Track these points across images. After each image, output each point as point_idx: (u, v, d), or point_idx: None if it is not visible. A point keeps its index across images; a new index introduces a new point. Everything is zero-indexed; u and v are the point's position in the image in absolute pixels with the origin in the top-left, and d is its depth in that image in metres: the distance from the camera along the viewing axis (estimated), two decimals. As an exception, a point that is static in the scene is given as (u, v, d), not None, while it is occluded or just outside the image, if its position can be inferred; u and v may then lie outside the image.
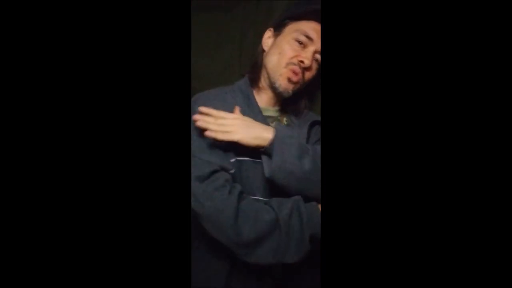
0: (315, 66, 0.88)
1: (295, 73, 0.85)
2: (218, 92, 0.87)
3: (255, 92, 0.90)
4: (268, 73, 0.88)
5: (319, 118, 0.92)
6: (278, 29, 0.90)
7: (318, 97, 1.00)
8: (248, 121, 0.77)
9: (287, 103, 0.94)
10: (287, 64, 0.85)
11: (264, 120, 0.85)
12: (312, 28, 0.85)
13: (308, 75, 0.88)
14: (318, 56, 0.86)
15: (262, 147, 0.76)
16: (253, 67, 0.92)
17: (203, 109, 0.75)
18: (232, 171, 0.77)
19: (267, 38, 0.92)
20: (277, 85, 0.86)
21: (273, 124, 0.87)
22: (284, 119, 0.93)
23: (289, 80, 0.85)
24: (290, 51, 0.85)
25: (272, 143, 0.75)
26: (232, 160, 0.78)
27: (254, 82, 0.91)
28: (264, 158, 0.77)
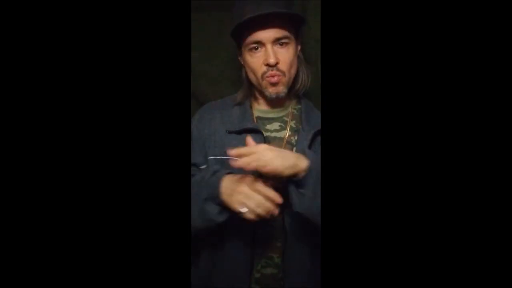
0: (284, 51, 0.85)
1: (272, 77, 0.84)
2: (219, 104, 0.94)
3: (253, 100, 0.93)
4: (255, 87, 0.91)
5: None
6: (239, 48, 0.90)
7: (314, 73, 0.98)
8: (278, 150, 0.75)
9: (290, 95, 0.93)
10: (262, 75, 0.85)
11: (252, 122, 0.88)
12: (253, 33, 0.83)
13: (283, 64, 0.85)
14: (281, 41, 0.84)
15: (297, 176, 0.74)
16: (243, 82, 0.93)
17: (232, 152, 0.73)
18: (203, 167, 0.82)
19: (239, 58, 0.92)
20: (267, 94, 0.87)
21: (277, 125, 0.90)
22: (293, 122, 0.92)
23: (273, 85, 0.85)
24: (255, 64, 0.85)
25: (307, 174, 0.74)
26: (210, 157, 0.84)
27: (250, 93, 0.93)
28: (293, 190, 0.76)
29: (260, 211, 0.72)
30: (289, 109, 0.94)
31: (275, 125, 0.90)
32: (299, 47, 0.91)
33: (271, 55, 0.83)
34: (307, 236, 0.82)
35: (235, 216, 0.74)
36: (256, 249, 0.83)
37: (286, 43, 0.85)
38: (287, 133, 0.90)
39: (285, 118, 0.92)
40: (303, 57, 0.93)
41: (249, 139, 0.77)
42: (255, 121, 0.90)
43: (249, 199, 0.72)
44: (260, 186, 0.73)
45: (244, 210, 0.72)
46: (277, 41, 0.84)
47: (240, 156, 0.73)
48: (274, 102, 0.91)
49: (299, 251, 0.82)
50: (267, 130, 0.89)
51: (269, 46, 0.83)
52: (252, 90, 0.93)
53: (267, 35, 0.83)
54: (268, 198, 0.72)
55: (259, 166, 0.71)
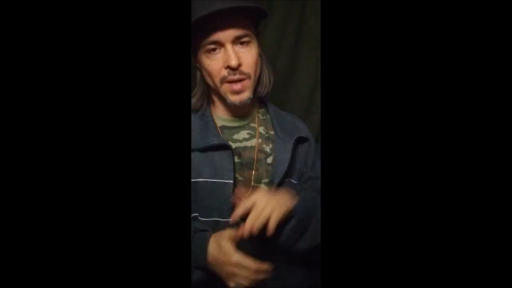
0: (247, 50, 0.76)
1: (235, 83, 0.75)
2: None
3: (214, 109, 0.82)
4: (213, 91, 0.81)
5: (302, 133, 0.85)
6: (194, 51, 0.79)
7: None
8: (272, 195, 0.70)
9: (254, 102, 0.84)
10: (221, 80, 0.75)
11: (218, 136, 0.77)
12: (210, 32, 0.73)
13: (246, 66, 0.76)
14: (241, 40, 0.74)
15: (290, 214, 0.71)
16: (197, 86, 0.83)
17: (233, 218, 0.69)
18: None
19: (193, 59, 0.82)
20: (229, 102, 0.77)
21: (246, 133, 0.81)
22: (261, 128, 0.84)
23: (236, 92, 0.75)
24: (214, 66, 0.75)
25: (298, 210, 0.71)
26: None
27: (206, 98, 0.82)
28: (295, 229, 0.73)
29: (250, 283, 0.67)
30: (255, 114, 0.85)
31: (243, 134, 0.81)
32: (260, 45, 0.81)
33: (232, 56, 0.73)
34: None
35: None
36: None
37: (248, 42, 0.75)
38: (257, 141, 0.81)
39: (252, 125, 0.83)
40: (264, 56, 0.83)
41: (239, 192, 0.72)
42: (220, 133, 0.78)
43: (240, 273, 0.66)
44: (243, 260, 0.67)
45: (235, 286, 0.68)
46: (237, 40, 0.74)
47: (240, 217, 0.68)
48: (238, 108, 0.80)
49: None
50: (236, 141, 0.80)
51: (229, 47, 0.73)
52: (209, 94, 0.82)
53: (226, 34, 0.72)
54: (256, 272, 0.67)
55: (263, 224, 0.66)
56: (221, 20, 0.72)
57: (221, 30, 0.72)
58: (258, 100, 0.85)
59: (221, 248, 0.67)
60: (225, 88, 0.75)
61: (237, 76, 0.74)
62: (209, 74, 0.76)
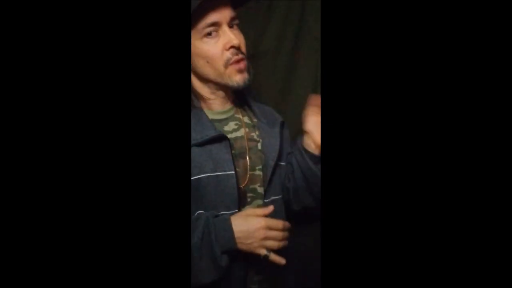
0: (238, 31, 0.79)
1: (238, 62, 0.76)
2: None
3: (203, 104, 0.82)
4: (215, 82, 0.80)
5: (280, 117, 0.90)
6: None
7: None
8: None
9: (235, 93, 0.86)
10: (226, 63, 0.76)
11: (214, 128, 0.78)
12: (207, 15, 0.74)
13: (242, 45, 0.79)
14: (234, 22, 0.77)
15: None
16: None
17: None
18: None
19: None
20: (232, 84, 0.78)
21: (233, 124, 0.83)
22: (245, 118, 0.86)
23: (240, 71, 0.77)
24: (214, 51, 0.75)
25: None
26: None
27: (198, 96, 0.82)
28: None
29: (280, 245, 0.73)
30: (236, 105, 0.87)
31: (232, 125, 0.83)
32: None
33: (233, 36, 0.75)
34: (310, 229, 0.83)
35: None
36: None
37: (237, 24, 0.78)
38: (244, 130, 0.83)
39: (237, 115, 0.85)
40: None
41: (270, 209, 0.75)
42: (215, 126, 0.79)
43: (268, 240, 0.72)
44: (271, 221, 0.73)
45: (267, 253, 0.72)
46: (232, 21, 0.76)
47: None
48: (223, 100, 0.83)
49: (300, 248, 0.82)
50: (227, 132, 0.81)
51: (226, 28, 0.75)
52: (199, 90, 0.82)
53: (223, 15, 0.74)
54: (283, 230, 0.74)
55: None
56: (216, 4, 0.74)
57: (218, 12, 0.74)
58: (234, 92, 0.86)
59: (248, 218, 0.73)
60: (229, 71, 0.76)
61: (240, 56, 0.76)
62: (211, 60, 0.76)
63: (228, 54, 0.76)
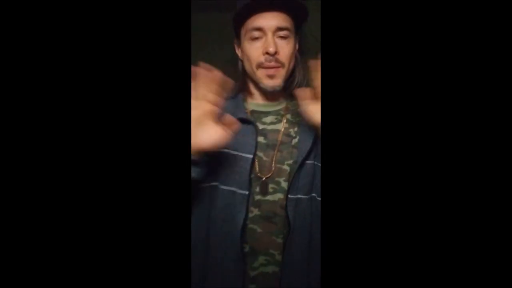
0: (284, 43, 0.85)
1: (270, 68, 0.84)
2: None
3: (247, 94, 0.92)
4: (251, 79, 0.90)
5: None
6: (238, 38, 0.90)
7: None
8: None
9: (287, 87, 0.92)
10: (258, 65, 0.85)
11: (245, 114, 0.86)
12: (255, 20, 0.83)
13: (283, 55, 0.85)
14: (281, 33, 0.84)
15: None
16: (238, 76, 0.92)
17: None
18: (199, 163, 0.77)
19: (237, 50, 0.92)
20: (262, 86, 0.86)
21: (274, 118, 0.88)
22: (288, 116, 0.91)
23: (269, 77, 0.85)
24: (253, 52, 0.85)
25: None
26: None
27: (244, 87, 0.92)
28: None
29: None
30: (284, 104, 0.93)
31: (271, 118, 0.90)
32: (297, 46, 0.90)
33: (271, 43, 0.82)
34: (310, 228, 0.83)
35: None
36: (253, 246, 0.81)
37: (286, 37, 0.85)
38: (283, 125, 0.89)
39: (281, 112, 0.91)
40: (300, 58, 0.92)
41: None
42: (248, 113, 0.89)
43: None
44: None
45: None
46: (278, 31, 0.83)
47: None
48: (269, 96, 0.91)
49: (300, 247, 0.81)
50: (263, 123, 0.89)
51: (270, 35, 0.83)
52: (247, 84, 0.92)
53: (269, 22, 0.82)
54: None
55: None
56: (267, 10, 0.82)
57: (264, 19, 0.82)
58: (290, 93, 0.92)
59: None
60: (260, 73, 0.85)
61: (272, 63, 0.83)
62: (248, 59, 0.86)
63: (262, 58, 0.84)
